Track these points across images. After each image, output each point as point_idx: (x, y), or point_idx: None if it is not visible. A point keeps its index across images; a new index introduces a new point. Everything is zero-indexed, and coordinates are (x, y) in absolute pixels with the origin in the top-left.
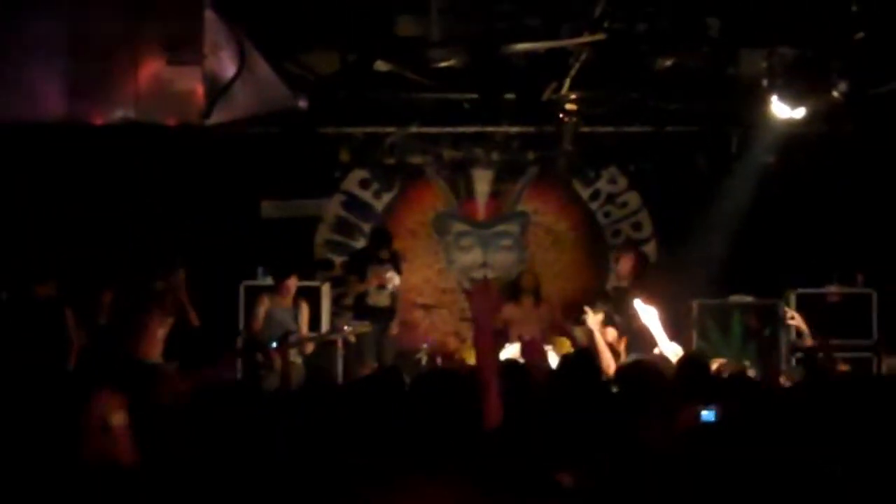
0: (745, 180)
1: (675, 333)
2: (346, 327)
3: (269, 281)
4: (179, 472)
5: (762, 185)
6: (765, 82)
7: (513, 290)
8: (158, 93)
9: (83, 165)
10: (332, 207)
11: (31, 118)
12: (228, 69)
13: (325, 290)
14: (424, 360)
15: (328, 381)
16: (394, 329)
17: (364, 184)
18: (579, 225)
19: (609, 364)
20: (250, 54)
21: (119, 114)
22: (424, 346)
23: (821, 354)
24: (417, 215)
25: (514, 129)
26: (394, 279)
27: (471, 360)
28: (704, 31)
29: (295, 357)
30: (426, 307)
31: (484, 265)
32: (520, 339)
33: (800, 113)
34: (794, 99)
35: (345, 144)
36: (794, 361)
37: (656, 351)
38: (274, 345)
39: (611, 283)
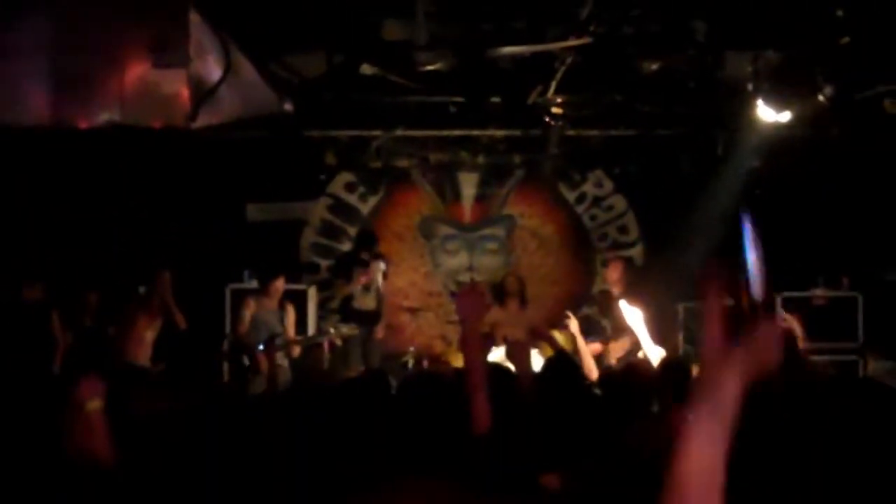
0: (731, 184)
1: (660, 337)
2: (331, 330)
3: (255, 284)
4: (163, 475)
5: (748, 188)
6: (750, 86)
7: (498, 293)
8: (144, 96)
9: (69, 168)
10: (318, 211)
11: (16, 121)
12: (214, 72)
13: (312, 293)
14: (411, 364)
15: (317, 383)
16: (379, 332)
17: (350, 187)
18: (565, 228)
19: (591, 368)
20: (236, 57)
21: (104, 117)
22: (411, 349)
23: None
24: (403, 219)
25: (500, 133)
26: (380, 269)
27: (457, 363)
28: (690, 34)
29: (281, 360)
30: (412, 310)
31: (470, 268)
32: (505, 341)
33: (785, 116)
34: (779, 102)
35: (331, 148)
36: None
37: (640, 354)
38: (261, 348)
39: (597, 287)
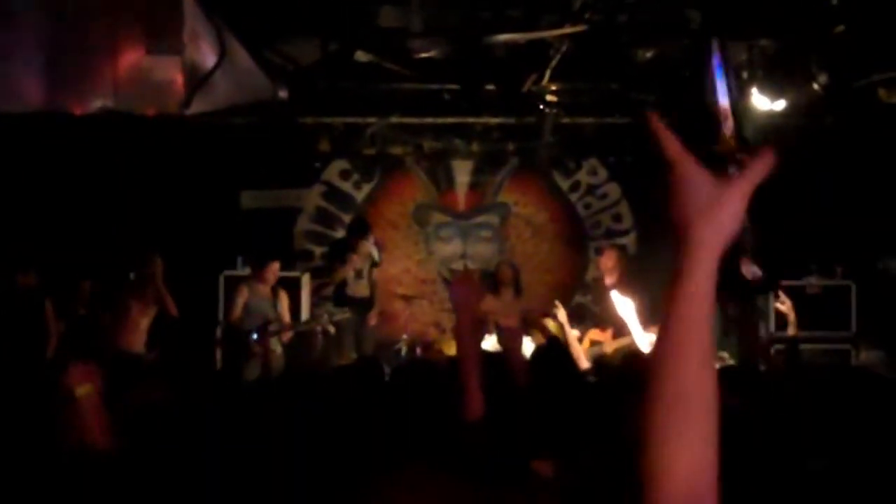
0: None
1: (655, 325)
2: (325, 315)
3: (248, 271)
4: (159, 463)
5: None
6: (745, 74)
7: (492, 281)
8: (138, 82)
9: (62, 155)
10: (312, 198)
11: (10, 108)
12: (208, 59)
13: (305, 280)
14: (404, 351)
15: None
16: (372, 319)
17: (344, 174)
18: (559, 216)
19: (578, 356)
20: (230, 44)
21: (98, 103)
22: (404, 336)
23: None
24: (397, 206)
25: (495, 121)
26: (370, 247)
27: (451, 350)
28: (685, 23)
29: (275, 346)
30: (406, 298)
31: (464, 256)
32: (497, 327)
33: (780, 105)
34: (774, 91)
35: (325, 135)
36: (773, 352)
37: (626, 341)
38: (254, 336)
39: (591, 275)
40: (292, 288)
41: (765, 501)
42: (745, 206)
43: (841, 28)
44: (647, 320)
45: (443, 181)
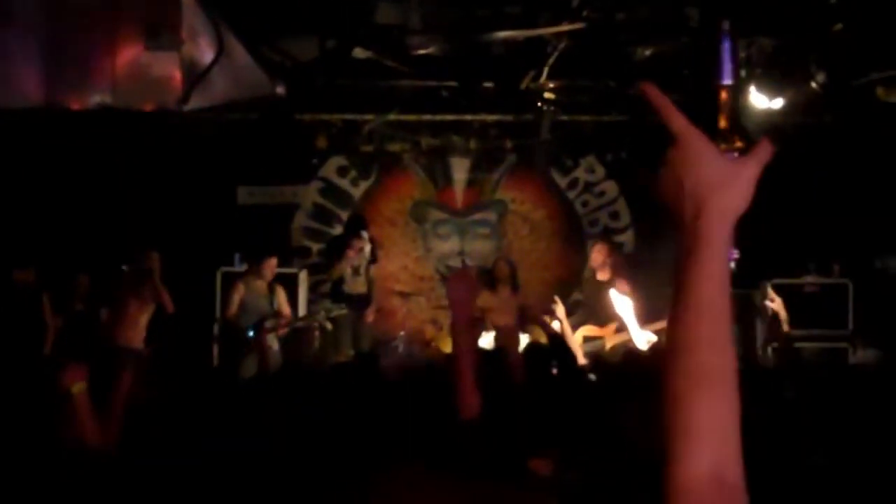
0: None
1: (652, 322)
2: (322, 311)
3: (245, 267)
4: (157, 459)
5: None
6: (743, 72)
7: (489, 278)
8: (136, 78)
9: (60, 151)
10: (310, 194)
11: (9, 103)
12: (206, 55)
13: (303, 276)
14: (401, 348)
15: (308, 367)
16: (369, 316)
17: (342, 171)
18: (557, 214)
19: (577, 353)
20: (228, 40)
21: (96, 99)
22: (401, 333)
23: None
24: (395, 203)
25: (493, 118)
26: (365, 242)
27: (448, 348)
28: (683, 20)
29: (272, 342)
30: (403, 294)
31: (461, 253)
32: (494, 326)
33: (778, 103)
34: (772, 89)
35: (323, 131)
36: (769, 350)
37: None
38: (251, 334)
39: (587, 272)
40: (289, 284)
41: (763, 498)
42: (753, 190)
43: (839, 27)
44: (644, 317)
45: (440, 178)
